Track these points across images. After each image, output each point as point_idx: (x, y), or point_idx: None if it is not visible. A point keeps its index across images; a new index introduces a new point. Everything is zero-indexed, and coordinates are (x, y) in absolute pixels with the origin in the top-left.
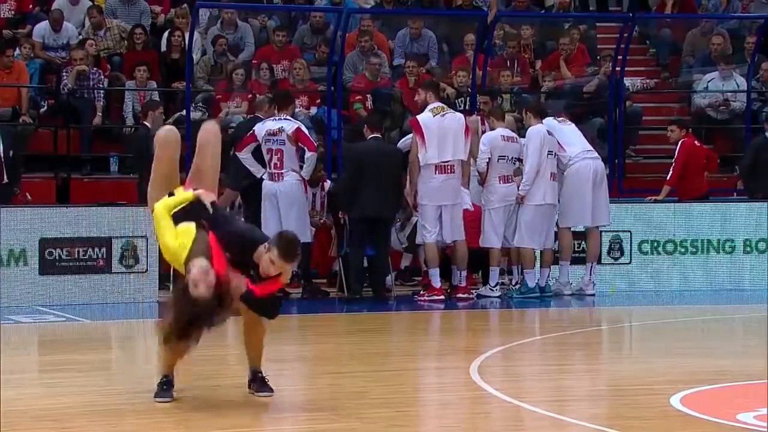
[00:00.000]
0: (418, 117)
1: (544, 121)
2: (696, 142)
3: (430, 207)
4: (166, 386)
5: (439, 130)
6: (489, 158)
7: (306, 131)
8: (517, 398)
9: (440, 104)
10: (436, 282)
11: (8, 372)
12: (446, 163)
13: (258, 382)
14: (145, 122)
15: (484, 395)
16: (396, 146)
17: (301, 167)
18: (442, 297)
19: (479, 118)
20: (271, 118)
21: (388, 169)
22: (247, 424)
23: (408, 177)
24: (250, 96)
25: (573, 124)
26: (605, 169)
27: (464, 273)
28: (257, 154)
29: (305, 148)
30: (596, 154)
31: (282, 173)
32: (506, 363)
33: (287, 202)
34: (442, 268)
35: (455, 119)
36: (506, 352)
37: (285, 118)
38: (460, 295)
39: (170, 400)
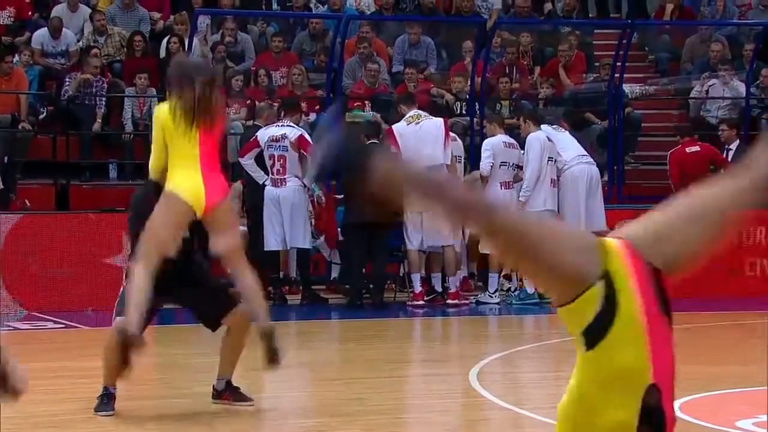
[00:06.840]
0: (393, 126)
1: (541, 128)
2: (697, 146)
3: (411, 213)
4: (107, 399)
5: (416, 138)
6: (492, 163)
7: (309, 139)
8: (516, 405)
9: (417, 112)
10: (417, 287)
11: None
12: None
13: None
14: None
15: (484, 402)
16: None
17: (304, 174)
18: (422, 302)
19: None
20: (275, 124)
21: None
22: (246, 431)
23: None
24: (248, 102)
25: (567, 132)
26: (603, 175)
27: (453, 279)
28: (259, 161)
29: (308, 155)
30: (591, 160)
31: (285, 179)
32: (505, 369)
33: (290, 208)
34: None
35: (433, 125)
36: (505, 358)
37: (288, 125)
38: (450, 301)
39: (112, 413)
